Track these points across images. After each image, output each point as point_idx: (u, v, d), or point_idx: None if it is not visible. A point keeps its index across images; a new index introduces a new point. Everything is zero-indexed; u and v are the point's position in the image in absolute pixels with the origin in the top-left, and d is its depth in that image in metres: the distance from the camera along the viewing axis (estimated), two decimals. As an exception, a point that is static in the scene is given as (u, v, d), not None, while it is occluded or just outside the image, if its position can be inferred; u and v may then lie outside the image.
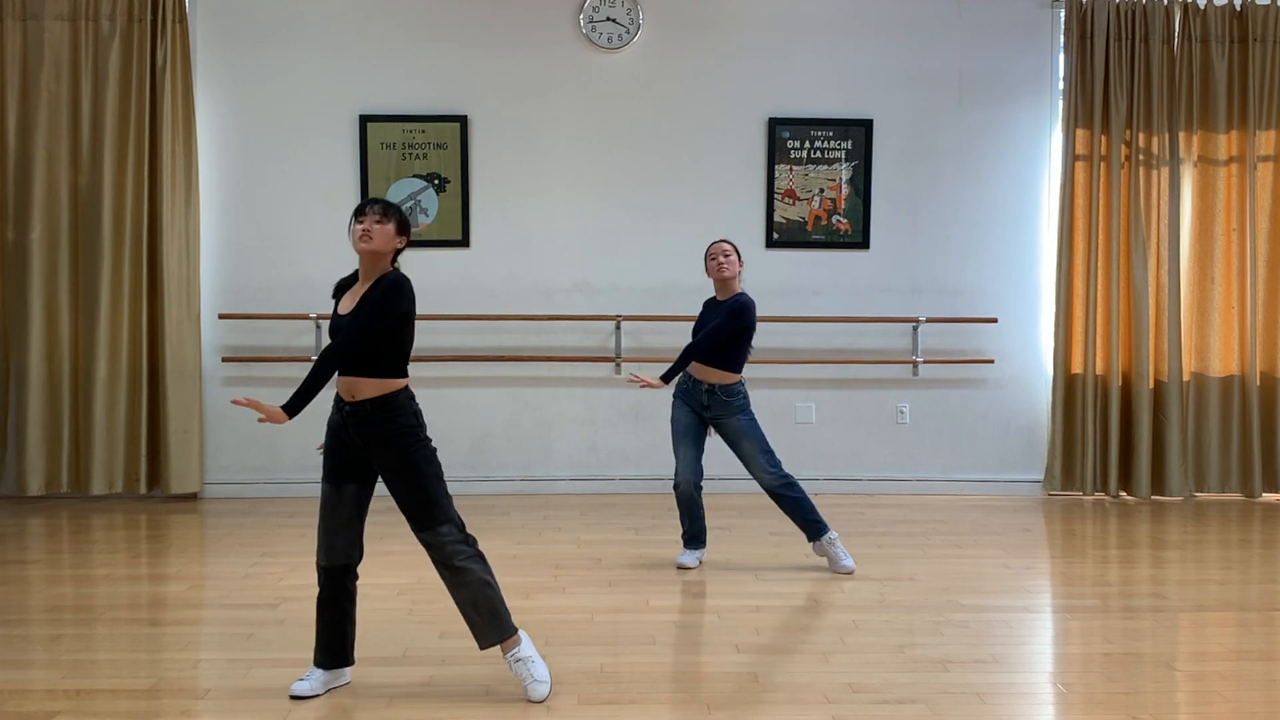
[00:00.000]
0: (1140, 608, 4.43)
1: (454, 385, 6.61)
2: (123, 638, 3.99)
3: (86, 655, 3.77)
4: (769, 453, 4.85)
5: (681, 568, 4.94)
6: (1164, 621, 4.25)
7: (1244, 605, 4.49)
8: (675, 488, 4.91)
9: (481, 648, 3.43)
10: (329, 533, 3.36)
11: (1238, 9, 6.62)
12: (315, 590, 3.36)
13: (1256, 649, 3.95)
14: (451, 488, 3.39)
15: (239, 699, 3.37)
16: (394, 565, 4.93)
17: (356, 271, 3.42)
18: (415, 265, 6.62)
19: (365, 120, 6.50)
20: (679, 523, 5.02)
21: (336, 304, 3.40)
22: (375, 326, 3.24)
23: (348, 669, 3.50)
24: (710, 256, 4.88)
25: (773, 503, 4.92)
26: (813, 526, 4.89)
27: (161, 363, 6.31)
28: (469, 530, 3.39)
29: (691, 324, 5.06)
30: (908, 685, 3.51)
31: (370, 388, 3.28)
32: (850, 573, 4.86)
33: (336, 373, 3.28)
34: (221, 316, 6.50)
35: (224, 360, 6.51)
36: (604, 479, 6.70)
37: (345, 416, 3.33)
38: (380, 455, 3.32)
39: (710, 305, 4.97)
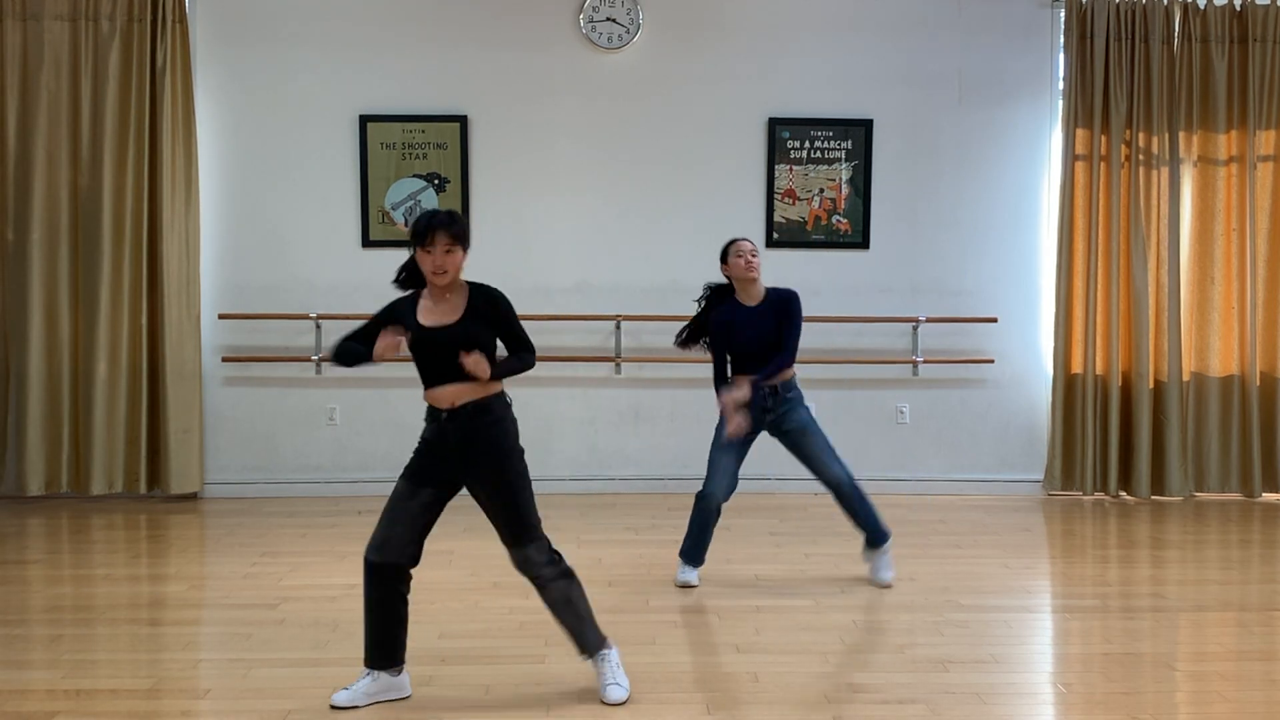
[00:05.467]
0: (1140, 608, 4.43)
1: (454, 385, 6.59)
2: (123, 638, 3.99)
3: (86, 655, 3.77)
4: (833, 447, 4.63)
5: (687, 585, 4.62)
6: (1164, 621, 4.25)
7: (1244, 605, 4.49)
8: (701, 499, 4.58)
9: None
10: (387, 525, 3.27)
11: (1238, 9, 6.61)
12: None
13: (1256, 649, 3.95)
14: (451, 488, 3.36)
15: (239, 699, 3.37)
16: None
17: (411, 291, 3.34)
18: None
19: (365, 120, 6.50)
20: (689, 532, 4.65)
21: (407, 313, 3.27)
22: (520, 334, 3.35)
23: (406, 680, 3.40)
24: (736, 254, 4.53)
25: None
26: (879, 533, 4.65)
27: (161, 363, 6.30)
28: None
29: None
30: (908, 685, 3.51)
31: (469, 392, 3.26)
32: (888, 586, 4.64)
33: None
34: (221, 316, 6.50)
35: (224, 360, 6.51)
36: (604, 479, 6.69)
37: (444, 424, 3.26)
38: (478, 468, 3.29)
39: (735, 309, 4.60)
